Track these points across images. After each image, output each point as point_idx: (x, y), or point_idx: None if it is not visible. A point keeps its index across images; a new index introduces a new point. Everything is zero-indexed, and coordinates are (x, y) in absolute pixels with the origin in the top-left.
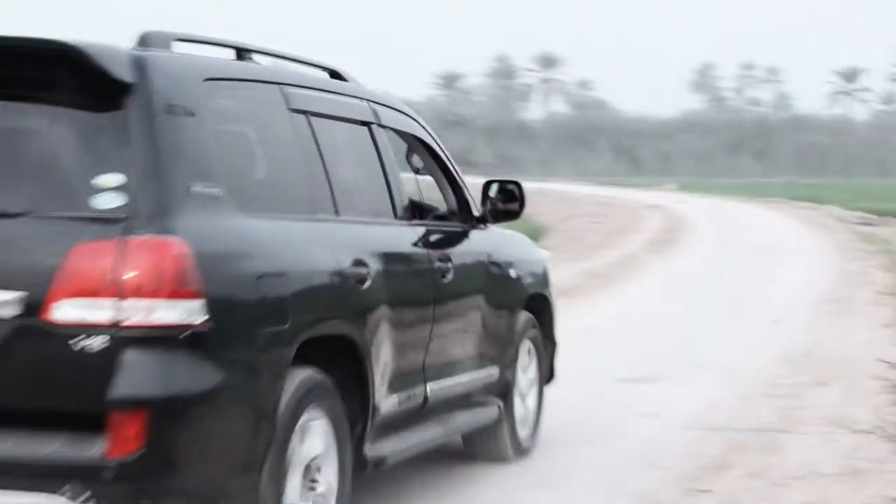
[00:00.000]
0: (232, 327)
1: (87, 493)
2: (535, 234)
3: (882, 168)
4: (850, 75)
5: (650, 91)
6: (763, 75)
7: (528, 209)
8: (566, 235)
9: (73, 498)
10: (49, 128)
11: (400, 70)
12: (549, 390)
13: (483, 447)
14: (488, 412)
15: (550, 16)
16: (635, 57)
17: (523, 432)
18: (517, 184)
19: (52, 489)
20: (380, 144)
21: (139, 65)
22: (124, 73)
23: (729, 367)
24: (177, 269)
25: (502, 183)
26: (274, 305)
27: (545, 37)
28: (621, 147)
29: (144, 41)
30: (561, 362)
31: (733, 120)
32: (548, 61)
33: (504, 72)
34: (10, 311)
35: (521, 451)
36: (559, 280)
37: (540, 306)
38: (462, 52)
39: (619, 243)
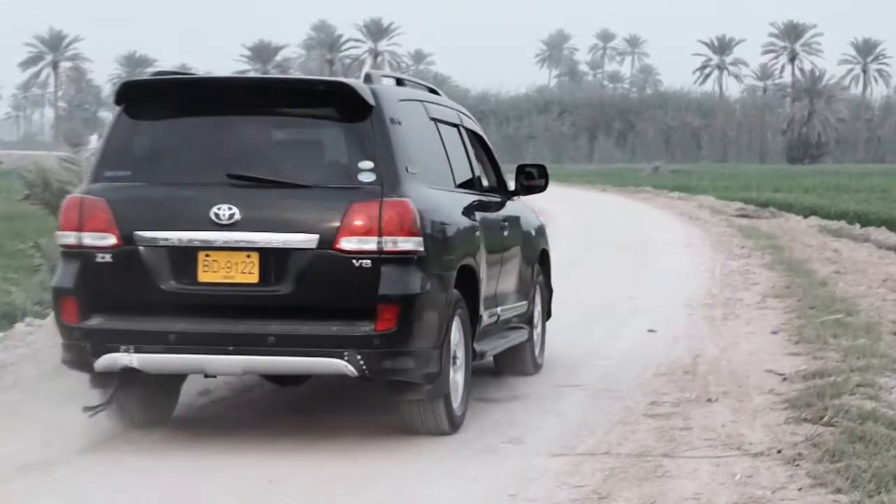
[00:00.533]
0: (434, 255)
1: (359, 357)
2: None
3: (760, 152)
4: (721, 47)
5: (496, 65)
6: (623, 47)
7: None
8: None
9: (350, 361)
10: (330, 133)
11: (206, 41)
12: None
13: (510, 364)
14: (522, 334)
15: None
16: (478, 26)
17: (537, 352)
18: (542, 166)
19: (336, 353)
20: (465, 139)
21: (375, 94)
22: (370, 100)
23: (602, 384)
24: (410, 218)
25: (530, 166)
26: (450, 243)
27: (373, 1)
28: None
29: (368, 78)
30: None
31: (591, 98)
32: (377, 30)
33: (326, 42)
34: (312, 246)
35: (537, 366)
36: None
37: (543, 260)
38: (278, 20)
39: None
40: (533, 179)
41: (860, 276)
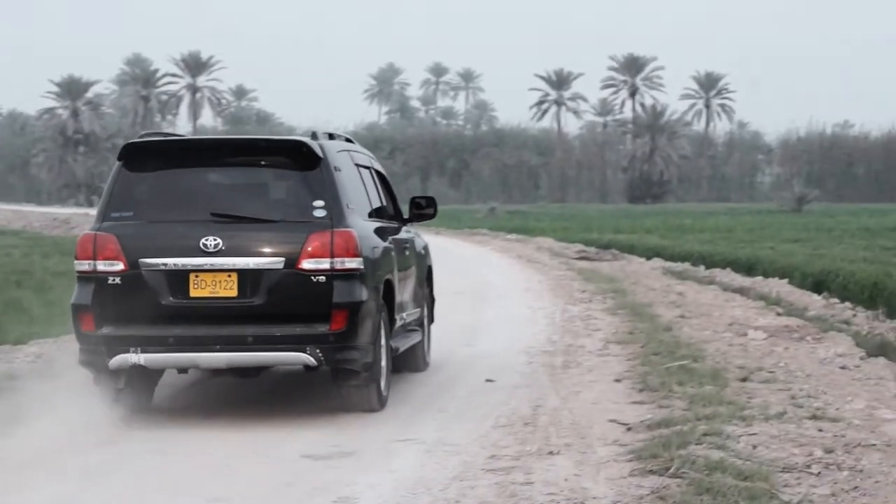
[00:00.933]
0: (369, 271)
1: (318, 350)
2: None
3: (601, 191)
4: (559, 81)
5: (323, 101)
6: (457, 82)
7: None
8: None
9: (310, 353)
10: (289, 179)
11: (12, 76)
12: None
13: (406, 363)
14: (418, 335)
15: (196, 10)
16: (303, 60)
17: (427, 352)
18: (431, 198)
19: (299, 347)
20: (374, 178)
21: (322, 148)
22: (319, 153)
23: (437, 438)
24: (354, 244)
25: (420, 197)
26: (378, 262)
27: (190, 35)
28: None
29: (314, 136)
30: (240, 438)
31: (424, 136)
32: (196, 65)
33: (141, 78)
34: (279, 267)
35: (426, 364)
36: None
37: (428, 275)
38: (88, 54)
39: None
40: (422, 209)
41: (705, 319)
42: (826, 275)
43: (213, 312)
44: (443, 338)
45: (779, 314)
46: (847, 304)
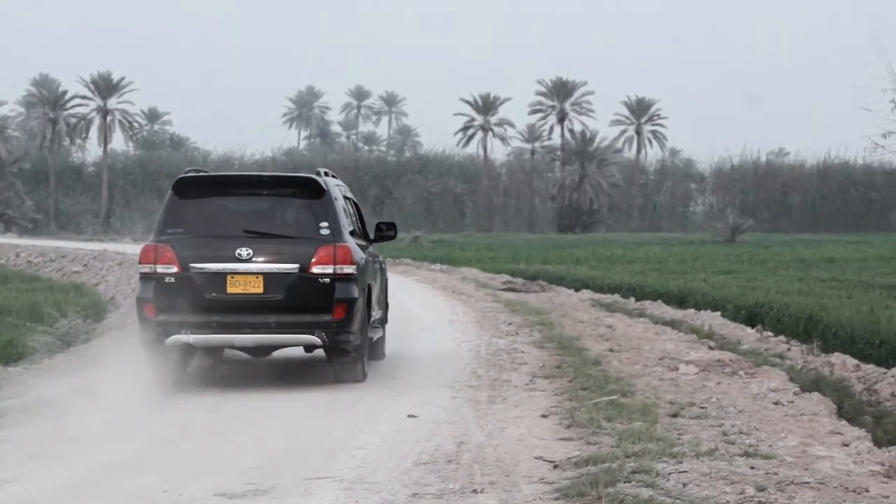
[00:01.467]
0: (359, 276)
1: (323, 334)
2: (98, 309)
3: (529, 220)
4: (485, 106)
5: (240, 125)
6: (379, 106)
7: (89, 277)
8: None
9: (318, 336)
10: (302, 205)
11: None
12: None
13: (371, 353)
14: (381, 330)
15: (107, 29)
16: (219, 83)
17: (384, 345)
18: (393, 223)
19: (310, 332)
20: (350, 205)
21: (325, 183)
22: (324, 186)
23: (357, 476)
24: (350, 255)
25: (383, 223)
26: (364, 270)
27: (101, 56)
28: None
29: (318, 174)
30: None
31: (345, 161)
32: (106, 87)
33: (49, 100)
34: (295, 271)
35: (384, 355)
36: (134, 368)
37: (386, 284)
38: None
39: None
40: (384, 232)
41: (635, 353)
42: (760, 307)
43: (245, 304)
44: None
45: (711, 348)
46: (781, 337)
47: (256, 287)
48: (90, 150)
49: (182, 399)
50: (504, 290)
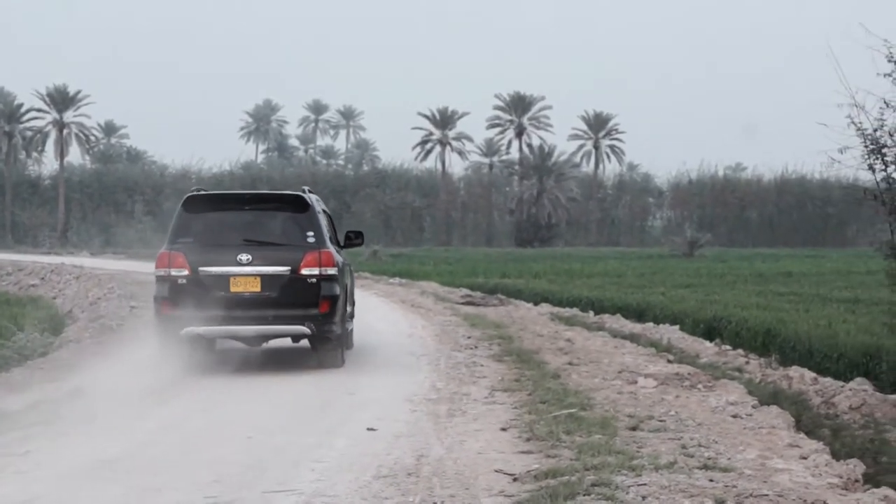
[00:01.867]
0: (340, 277)
1: (312, 325)
2: (56, 323)
3: (487, 234)
4: (443, 121)
5: (197, 139)
6: (337, 119)
7: (46, 290)
8: (97, 324)
9: (307, 326)
10: (291, 218)
11: None
12: None
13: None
14: (352, 324)
15: (63, 43)
16: (176, 96)
17: (353, 337)
18: (360, 232)
19: (301, 323)
20: (325, 218)
21: (310, 199)
22: (309, 202)
23: (316, 489)
24: (332, 259)
25: (351, 231)
26: (342, 272)
27: (57, 68)
28: (162, 211)
29: (304, 191)
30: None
31: (303, 175)
32: (62, 100)
33: (4, 113)
34: (287, 273)
35: (352, 345)
36: (92, 382)
37: (353, 284)
38: None
39: None
40: (353, 240)
41: (594, 366)
42: (718, 321)
43: (245, 301)
44: (321, 386)
45: (670, 361)
46: (739, 350)
47: (255, 286)
48: (46, 164)
49: (142, 412)
50: (463, 303)
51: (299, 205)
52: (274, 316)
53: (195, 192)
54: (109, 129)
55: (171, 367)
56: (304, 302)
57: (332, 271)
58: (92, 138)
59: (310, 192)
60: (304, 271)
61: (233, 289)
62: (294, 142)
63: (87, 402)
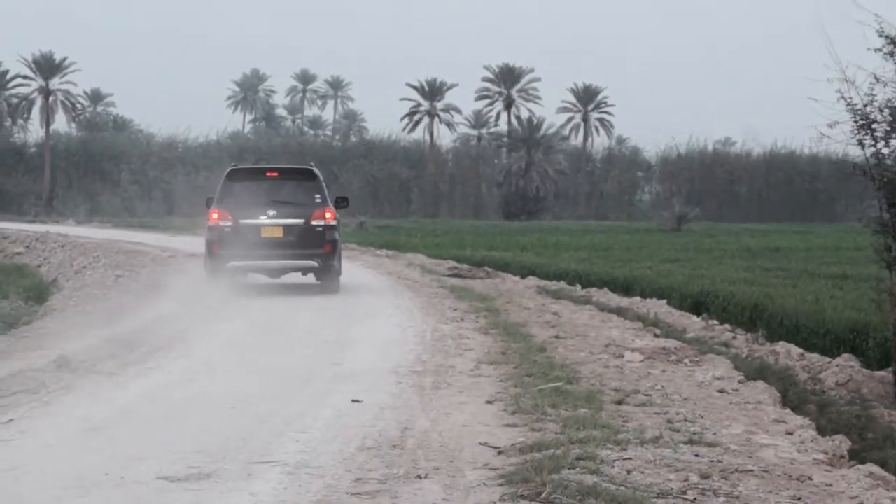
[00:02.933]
0: (338, 227)
1: (319, 260)
2: (40, 291)
3: (475, 206)
4: (431, 92)
5: (184, 108)
6: (325, 90)
7: (31, 259)
8: (82, 293)
9: (316, 262)
10: (304, 184)
11: None
12: None
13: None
14: (342, 266)
15: (49, 9)
16: (163, 64)
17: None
18: (345, 197)
19: (311, 259)
20: (326, 186)
21: (317, 171)
22: (316, 174)
23: (300, 460)
24: (333, 214)
25: (339, 197)
26: (339, 224)
27: (43, 35)
28: (149, 179)
29: (312, 165)
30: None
31: (290, 146)
32: (48, 67)
33: None
34: (301, 223)
35: (341, 286)
36: (76, 351)
37: (342, 234)
38: None
39: (153, 301)
40: (340, 202)
41: (581, 340)
42: (705, 296)
43: (272, 243)
44: (306, 357)
45: (656, 336)
46: (726, 325)
47: (279, 233)
48: (32, 131)
49: (125, 382)
50: (450, 276)
51: (309, 175)
52: (292, 253)
53: (235, 167)
54: (96, 97)
55: (220, 292)
56: (314, 244)
57: (333, 223)
58: (78, 106)
59: (314, 166)
60: (314, 223)
61: (263, 235)
62: (282, 112)
63: (71, 371)
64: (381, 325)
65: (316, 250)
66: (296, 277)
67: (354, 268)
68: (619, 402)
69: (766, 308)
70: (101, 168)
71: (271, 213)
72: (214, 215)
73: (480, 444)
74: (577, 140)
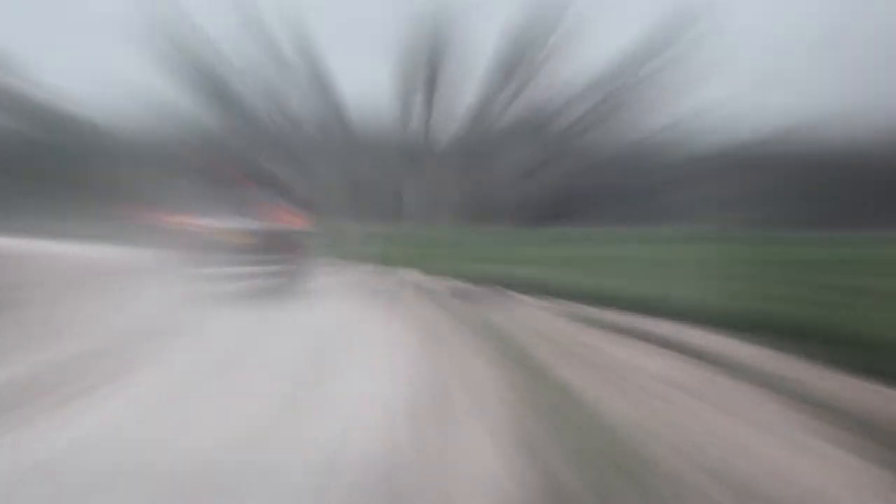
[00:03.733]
0: (308, 231)
1: (286, 268)
2: None
3: (474, 211)
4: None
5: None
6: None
7: None
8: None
9: (283, 268)
10: (270, 188)
11: None
12: None
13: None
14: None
15: None
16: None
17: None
18: (316, 199)
19: (279, 265)
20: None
21: (285, 173)
22: (284, 177)
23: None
24: (303, 218)
25: (310, 198)
26: (314, 232)
27: None
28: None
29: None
30: None
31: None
32: None
33: None
34: (266, 227)
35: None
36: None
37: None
38: None
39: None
40: (311, 205)
41: None
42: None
43: (236, 249)
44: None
45: None
46: None
47: (243, 238)
48: None
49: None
50: (453, 296)
51: (276, 178)
52: (256, 259)
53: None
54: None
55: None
56: (281, 249)
57: (301, 228)
58: None
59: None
60: (280, 227)
61: (226, 239)
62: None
63: None
64: (373, 365)
65: (284, 255)
66: (258, 287)
67: (333, 286)
68: None
69: None
70: None
71: (234, 216)
72: (174, 218)
73: None
74: None
